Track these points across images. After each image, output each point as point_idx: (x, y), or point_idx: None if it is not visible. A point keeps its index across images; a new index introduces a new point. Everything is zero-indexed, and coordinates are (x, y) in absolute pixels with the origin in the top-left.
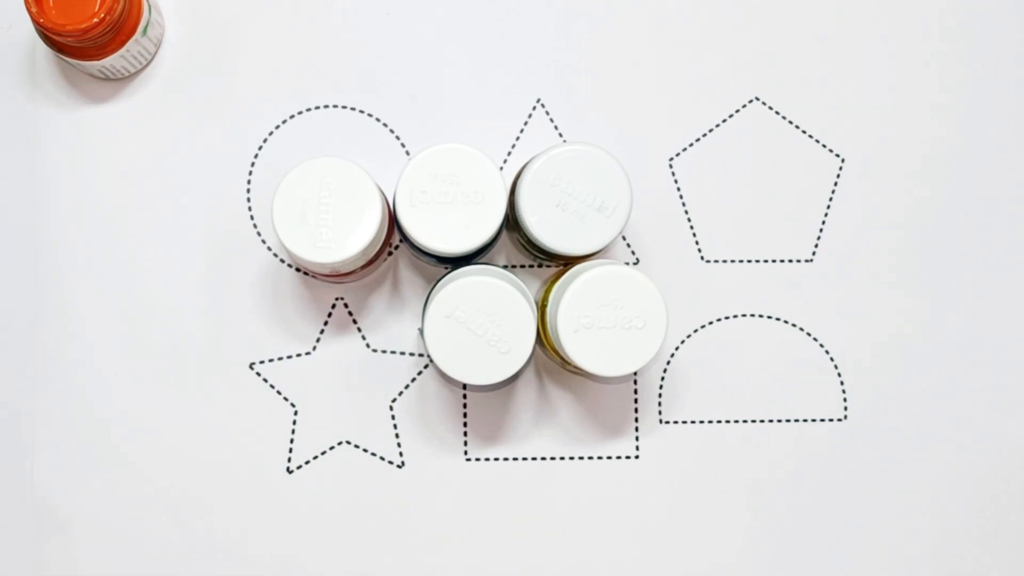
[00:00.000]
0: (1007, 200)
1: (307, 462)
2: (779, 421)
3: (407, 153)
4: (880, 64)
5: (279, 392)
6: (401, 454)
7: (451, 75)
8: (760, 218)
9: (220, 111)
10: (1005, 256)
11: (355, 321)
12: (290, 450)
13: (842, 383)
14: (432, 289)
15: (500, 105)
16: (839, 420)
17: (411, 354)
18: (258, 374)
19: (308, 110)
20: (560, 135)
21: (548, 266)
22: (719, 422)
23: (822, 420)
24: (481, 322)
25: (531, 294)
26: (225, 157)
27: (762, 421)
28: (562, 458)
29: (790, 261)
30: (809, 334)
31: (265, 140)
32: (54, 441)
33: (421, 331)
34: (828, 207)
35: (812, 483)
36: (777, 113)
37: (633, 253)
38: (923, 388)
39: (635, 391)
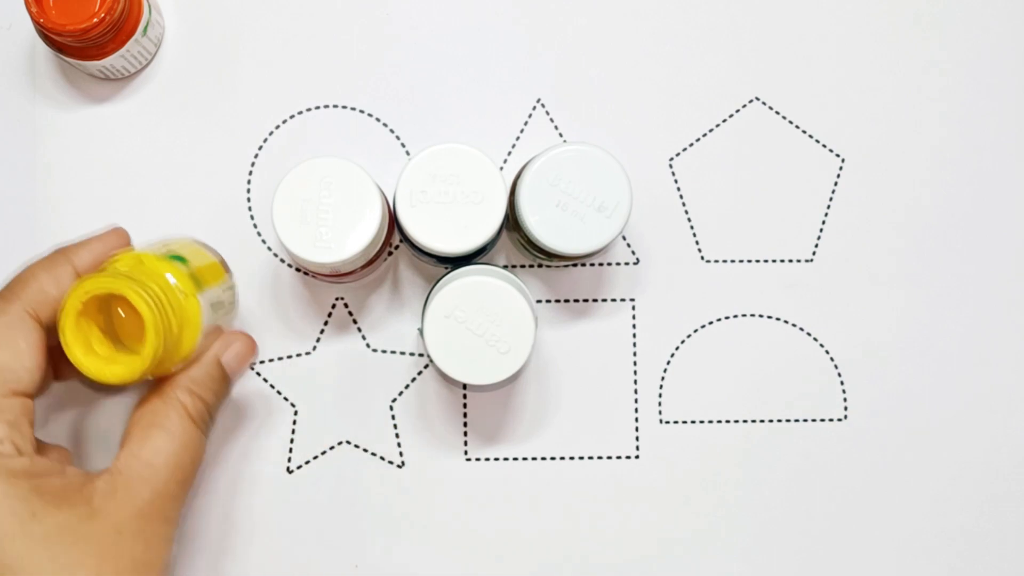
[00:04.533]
0: (1007, 200)
1: (307, 462)
2: (779, 421)
3: (407, 153)
4: (880, 64)
5: (279, 392)
6: (401, 454)
7: (451, 75)
8: (760, 218)
9: (220, 111)
10: (1005, 256)
11: (355, 321)
12: (290, 450)
13: (842, 383)
14: (432, 289)
15: (500, 105)
16: (839, 420)
17: (411, 354)
18: (258, 374)
19: (308, 110)
20: (560, 135)
21: (548, 266)
22: (719, 422)
23: (822, 420)
24: (481, 322)
25: (531, 294)
26: (225, 157)
27: (762, 421)
28: (562, 458)
29: (790, 261)
30: (809, 334)
31: (265, 140)
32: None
33: (421, 331)
34: (828, 207)
35: (812, 483)
36: (777, 113)
37: (633, 253)
38: (923, 388)
39: (635, 391)
